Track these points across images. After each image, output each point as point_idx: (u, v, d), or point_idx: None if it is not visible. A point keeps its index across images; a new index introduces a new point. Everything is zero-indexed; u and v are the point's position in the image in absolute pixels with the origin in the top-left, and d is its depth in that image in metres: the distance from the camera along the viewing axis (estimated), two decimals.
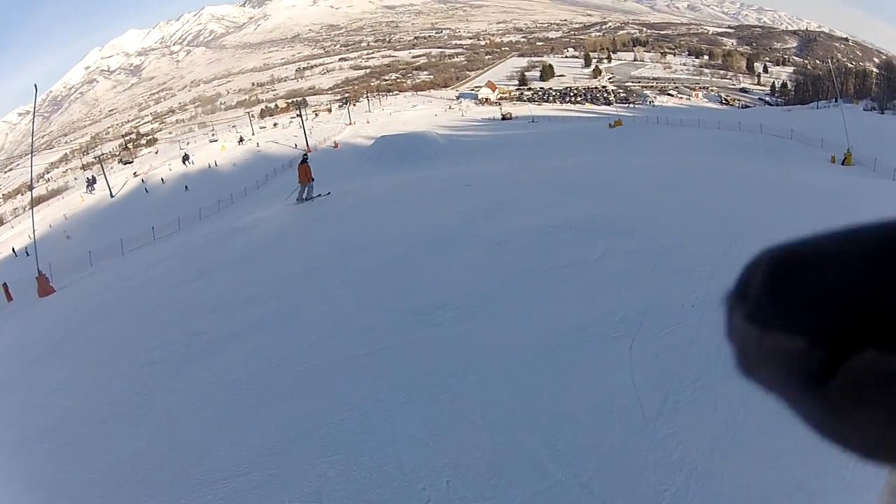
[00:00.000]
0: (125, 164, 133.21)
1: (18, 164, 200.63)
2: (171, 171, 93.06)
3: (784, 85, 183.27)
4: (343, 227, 17.53)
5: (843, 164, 43.71)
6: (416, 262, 12.50)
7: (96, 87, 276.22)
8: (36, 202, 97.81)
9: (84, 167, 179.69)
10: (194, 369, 9.21)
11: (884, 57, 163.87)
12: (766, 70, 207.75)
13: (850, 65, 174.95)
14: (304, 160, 25.71)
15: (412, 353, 8.30)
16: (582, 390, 6.97)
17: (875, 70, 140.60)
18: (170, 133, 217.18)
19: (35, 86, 31.66)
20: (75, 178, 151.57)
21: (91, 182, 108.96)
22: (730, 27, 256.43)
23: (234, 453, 6.78)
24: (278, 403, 7.60)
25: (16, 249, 63.38)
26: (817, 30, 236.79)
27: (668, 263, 10.59)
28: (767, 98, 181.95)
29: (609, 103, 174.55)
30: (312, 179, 24.91)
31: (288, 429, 7.00)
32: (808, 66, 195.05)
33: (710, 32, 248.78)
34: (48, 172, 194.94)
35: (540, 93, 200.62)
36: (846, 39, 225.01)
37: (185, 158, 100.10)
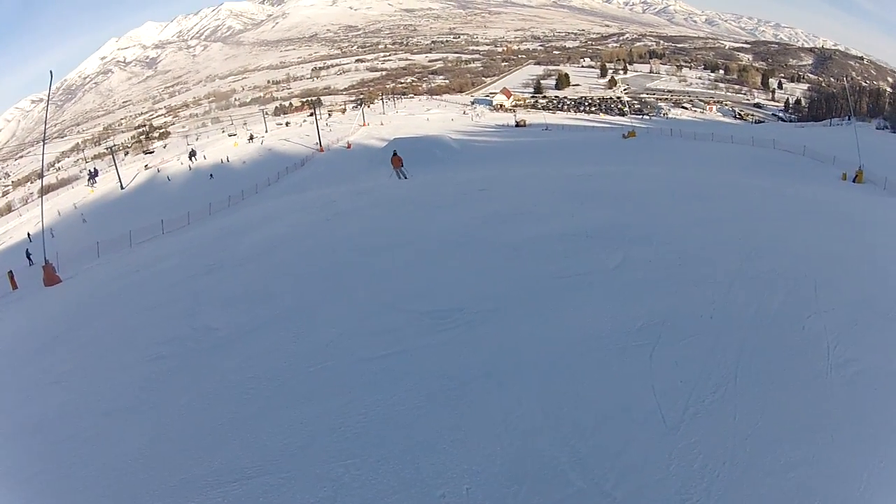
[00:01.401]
0: (147, 153, 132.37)
1: (29, 152, 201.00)
2: (181, 164, 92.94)
3: (798, 101, 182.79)
4: (357, 227, 17.32)
5: (854, 181, 43.53)
6: (432, 265, 12.38)
7: (111, 77, 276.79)
8: (46, 191, 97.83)
9: (95, 157, 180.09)
10: (204, 366, 9.06)
11: None
12: (780, 86, 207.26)
13: (864, 83, 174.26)
14: (395, 153, 36.64)
15: (429, 357, 8.19)
16: (603, 398, 6.91)
17: (889, 89, 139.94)
18: (183, 127, 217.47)
19: (51, 72, 31.80)
20: (84, 169, 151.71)
21: (93, 175, 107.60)
22: (746, 42, 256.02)
23: (245, 455, 6.66)
24: (292, 405, 7.46)
25: (31, 234, 62.93)
26: (833, 48, 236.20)
27: (685, 274, 10.53)
28: (781, 114, 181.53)
29: (623, 114, 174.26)
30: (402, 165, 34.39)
31: (301, 431, 6.87)
32: (823, 84, 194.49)
33: (726, 47, 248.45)
34: (59, 161, 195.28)
35: (555, 101, 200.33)
36: (861, 58, 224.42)
37: (192, 155, 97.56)
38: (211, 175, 78.61)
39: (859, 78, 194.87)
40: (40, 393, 9.62)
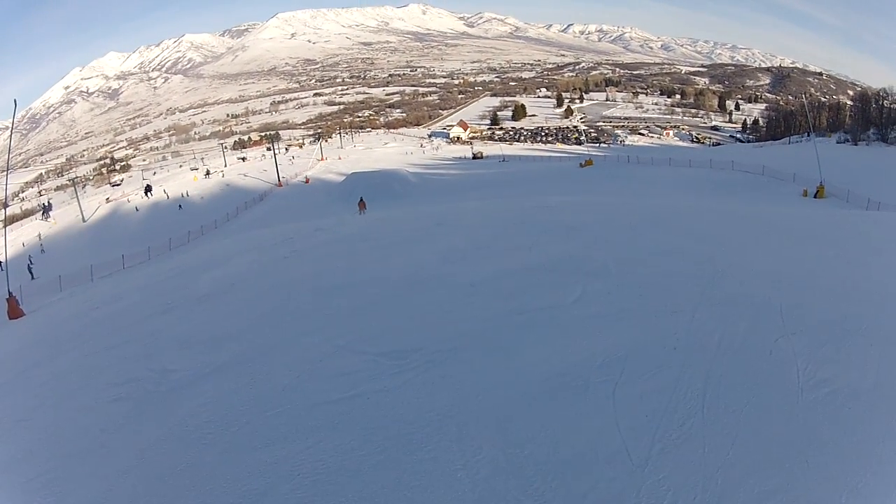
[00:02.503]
0: (114, 185, 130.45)
1: None
2: (142, 198, 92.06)
3: (756, 121, 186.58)
4: (315, 266, 17.24)
5: (815, 196, 44.31)
6: (390, 304, 12.25)
7: (74, 108, 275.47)
8: (9, 221, 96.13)
9: (58, 188, 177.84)
10: (161, 409, 8.83)
11: (858, 89, 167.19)
12: (737, 108, 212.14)
13: (823, 99, 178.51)
14: (361, 199, 43.07)
15: (388, 400, 8.03)
16: (566, 438, 6.78)
17: (849, 102, 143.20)
18: (144, 160, 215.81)
19: (14, 101, 31.17)
20: (39, 203, 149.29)
21: (46, 209, 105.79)
22: (703, 66, 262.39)
23: (203, 503, 6.48)
24: (249, 450, 7.27)
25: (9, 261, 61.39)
26: (791, 66, 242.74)
27: (646, 305, 10.52)
28: (738, 135, 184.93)
29: (580, 143, 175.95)
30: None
31: (260, 478, 6.69)
32: (781, 102, 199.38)
33: (682, 72, 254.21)
34: (23, 192, 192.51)
35: (511, 132, 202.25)
36: (820, 74, 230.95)
37: (148, 190, 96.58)
38: (180, 206, 78.23)
39: (818, 94, 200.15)
40: (6, 432, 9.35)
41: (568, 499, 5.85)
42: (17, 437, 9.07)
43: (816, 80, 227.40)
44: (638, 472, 6.10)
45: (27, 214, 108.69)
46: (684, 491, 5.81)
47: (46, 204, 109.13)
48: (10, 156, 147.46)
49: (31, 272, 46.02)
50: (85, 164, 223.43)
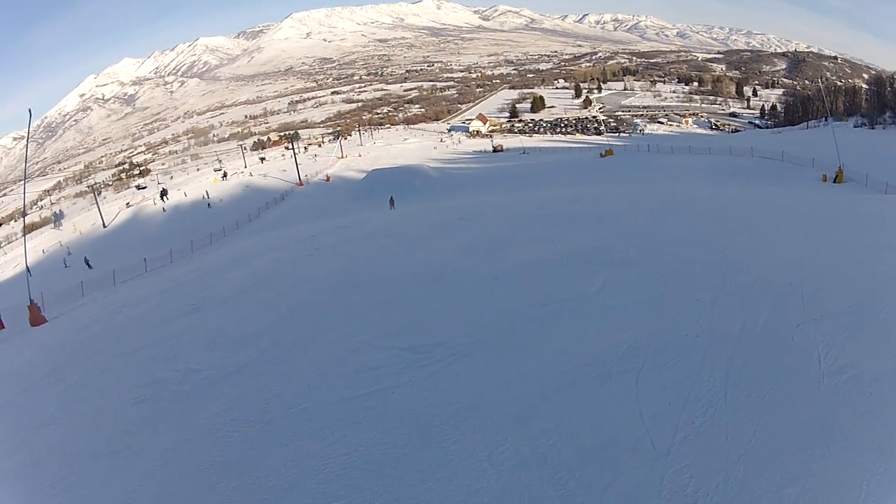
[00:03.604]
0: (140, 189, 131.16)
1: (12, 190, 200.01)
2: (155, 204, 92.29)
3: (774, 107, 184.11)
4: (338, 263, 17.27)
5: (834, 181, 43.66)
6: (412, 299, 12.32)
7: (90, 115, 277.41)
8: (29, 229, 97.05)
9: (77, 195, 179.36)
10: (187, 409, 8.92)
11: (873, 72, 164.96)
12: (755, 93, 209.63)
13: (839, 83, 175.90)
14: (391, 198, 44.91)
15: (412, 394, 8.08)
16: (589, 428, 6.80)
17: (864, 86, 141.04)
18: (163, 164, 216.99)
19: (29, 110, 31.28)
20: (59, 209, 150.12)
21: (58, 217, 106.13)
22: (719, 53, 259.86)
23: (230, 500, 6.55)
24: (276, 447, 7.33)
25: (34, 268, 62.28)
26: (806, 50, 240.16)
27: (668, 293, 10.49)
28: (757, 121, 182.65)
29: (599, 133, 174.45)
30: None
31: (286, 474, 6.74)
32: (798, 87, 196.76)
33: (699, 59, 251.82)
34: (41, 200, 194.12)
35: (531, 124, 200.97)
36: (835, 58, 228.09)
37: (164, 194, 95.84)
38: (209, 205, 78.75)
39: (834, 78, 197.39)
40: (29, 436, 9.49)
41: (591, 488, 5.87)
42: (41, 440, 9.20)
43: (832, 65, 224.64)
44: (661, 461, 6.11)
45: (43, 223, 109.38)
46: (707, 478, 5.81)
47: (58, 212, 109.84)
48: (28, 165, 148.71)
49: (88, 264, 52.27)
50: (104, 170, 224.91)
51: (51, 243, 76.28)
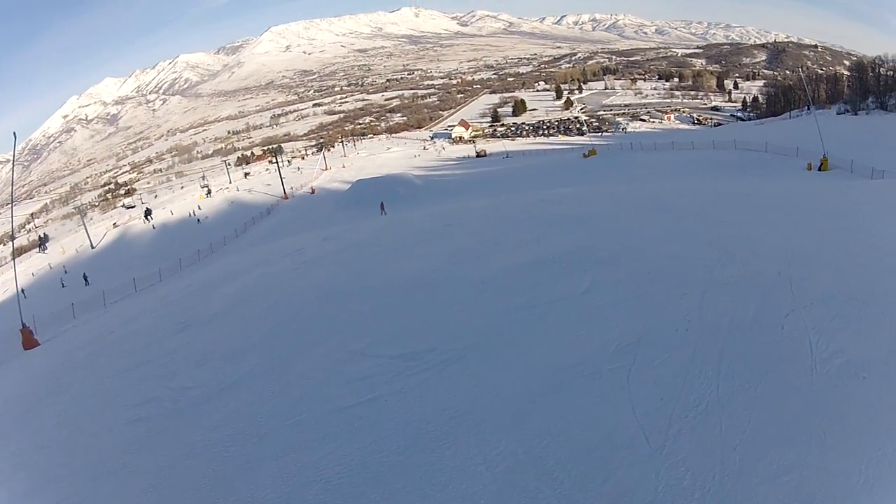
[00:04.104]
0: (129, 208, 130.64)
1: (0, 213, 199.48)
2: (149, 221, 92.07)
3: (755, 99, 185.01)
4: (326, 275, 17.26)
5: (819, 169, 43.99)
6: (401, 307, 12.33)
7: (74, 136, 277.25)
8: (18, 252, 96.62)
9: (65, 217, 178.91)
10: (182, 426, 8.92)
11: (854, 59, 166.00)
12: (736, 86, 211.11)
13: (820, 71, 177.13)
14: (382, 204, 48.60)
15: (405, 401, 8.09)
16: (583, 427, 6.83)
17: (846, 73, 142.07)
18: (148, 183, 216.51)
19: (14, 133, 31.30)
20: (44, 232, 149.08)
21: (43, 241, 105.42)
22: (698, 48, 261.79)
23: None
24: (271, 460, 7.34)
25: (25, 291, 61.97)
26: (786, 41, 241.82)
27: (656, 290, 10.54)
28: (739, 113, 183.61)
29: (582, 133, 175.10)
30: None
31: (283, 486, 6.75)
32: (779, 78, 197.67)
33: (679, 55, 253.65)
34: (29, 223, 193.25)
35: (513, 128, 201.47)
36: (815, 46, 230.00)
37: (147, 214, 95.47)
38: (198, 220, 78.95)
39: (815, 66, 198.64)
40: (30, 458, 9.50)
41: (587, 486, 5.89)
42: (39, 463, 9.20)
43: (812, 53, 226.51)
44: (656, 456, 6.14)
45: (32, 246, 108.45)
46: (703, 470, 5.84)
47: (43, 236, 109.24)
48: (14, 188, 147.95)
49: (86, 280, 55.77)
50: (89, 190, 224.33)
51: (40, 266, 76.06)
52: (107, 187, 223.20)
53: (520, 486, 6.03)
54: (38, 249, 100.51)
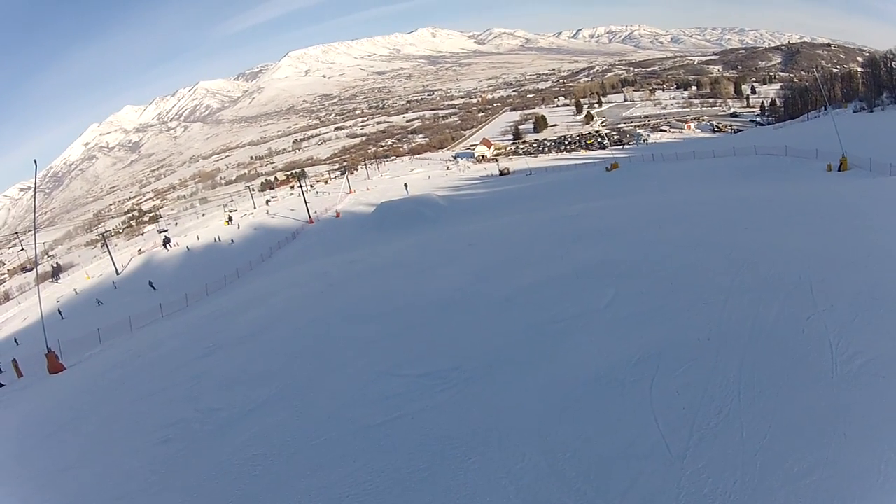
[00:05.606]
0: (161, 232, 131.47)
1: (23, 240, 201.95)
2: (175, 246, 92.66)
3: (773, 102, 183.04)
4: (351, 296, 17.47)
5: (839, 170, 43.40)
6: (427, 327, 12.45)
7: (96, 163, 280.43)
8: (41, 279, 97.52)
9: (88, 244, 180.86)
10: (210, 447, 9.06)
11: (866, 54, 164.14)
12: (753, 91, 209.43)
13: (834, 70, 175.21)
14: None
15: (431, 419, 8.20)
16: (606, 439, 6.88)
17: (860, 70, 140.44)
18: (172, 209, 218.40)
19: (35, 161, 31.51)
20: (56, 262, 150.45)
21: (56, 271, 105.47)
22: (714, 54, 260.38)
23: None
24: (299, 478, 7.45)
25: (62, 312, 62.25)
26: (799, 41, 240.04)
27: (678, 300, 10.56)
28: (758, 118, 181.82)
29: (604, 147, 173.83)
30: None
31: (309, 502, 6.85)
32: (795, 79, 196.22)
33: (695, 62, 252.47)
34: (52, 249, 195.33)
35: (535, 144, 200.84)
36: (828, 45, 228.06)
37: (166, 242, 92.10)
38: (232, 241, 79.62)
39: (829, 65, 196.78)
40: (54, 480, 9.60)
41: (609, 496, 5.95)
42: (65, 484, 9.32)
43: (826, 52, 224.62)
44: (677, 464, 6.18)
45: (44, 278, 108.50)
46: (724, 477, 5.88)
47: (56, 265, 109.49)
48: (36, 215, 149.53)
49: (152, 286, 58.49)
50: (113, 217, 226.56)
51: (64, 292, 76.71)
52: (130, 214, 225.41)
53: (543, 498, 6.10)
54: (51, 280, 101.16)
